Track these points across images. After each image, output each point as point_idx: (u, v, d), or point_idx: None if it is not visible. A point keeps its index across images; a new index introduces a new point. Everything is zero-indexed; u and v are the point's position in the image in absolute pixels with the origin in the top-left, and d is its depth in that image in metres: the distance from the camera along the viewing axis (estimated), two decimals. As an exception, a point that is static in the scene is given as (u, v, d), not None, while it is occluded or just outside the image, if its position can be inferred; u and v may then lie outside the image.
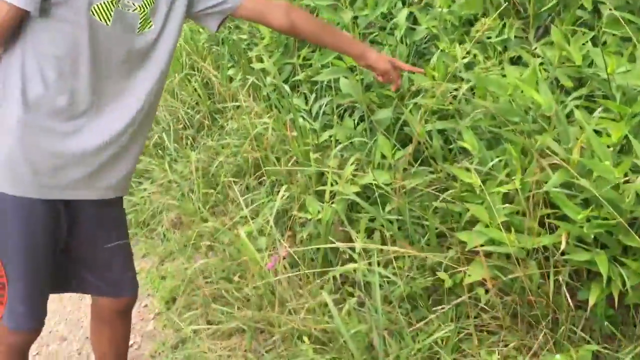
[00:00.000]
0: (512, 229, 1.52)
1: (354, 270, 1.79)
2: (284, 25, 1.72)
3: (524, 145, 1.64)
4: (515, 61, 2.28)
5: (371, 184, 2.10)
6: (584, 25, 2.18)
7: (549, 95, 1.50)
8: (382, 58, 1.85)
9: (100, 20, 1.40)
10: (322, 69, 2.83)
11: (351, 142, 2.43)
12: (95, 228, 1.68)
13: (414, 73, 2.10)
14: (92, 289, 1.79)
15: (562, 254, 1.46)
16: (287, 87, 2.65)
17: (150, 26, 1.49)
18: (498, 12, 2.31)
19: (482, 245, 1.56)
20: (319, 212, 2.11)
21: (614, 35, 1.91)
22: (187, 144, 3.38)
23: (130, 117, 1.54)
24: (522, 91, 1.52)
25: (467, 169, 1.65)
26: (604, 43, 2.01)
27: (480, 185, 1.58)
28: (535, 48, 2.16)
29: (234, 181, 2.83)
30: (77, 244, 1.66)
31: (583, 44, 2.02)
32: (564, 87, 1.90)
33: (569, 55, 2.01)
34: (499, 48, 2.31)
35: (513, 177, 1.64)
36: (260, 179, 2.78)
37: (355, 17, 2.49)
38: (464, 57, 1.97)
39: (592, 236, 1.40)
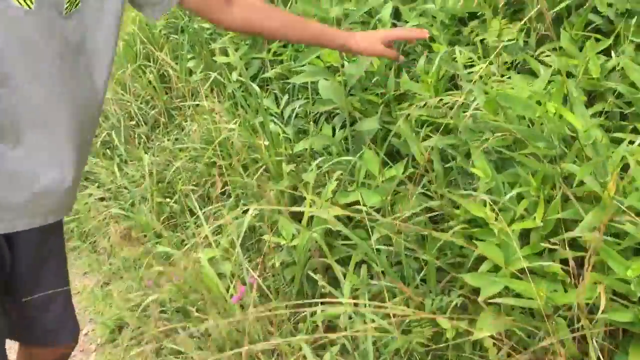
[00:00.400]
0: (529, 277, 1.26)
1: (338, 316, 1.50)
2: (236, 21, 1.40)
3: (545, 174, 1.38)
4: (515, 68, 2.04)
5: (356, 205, 1.81)
6: (595, 30, 1.95)
7: (587, 119, 1.24)
8: (368, 39, 1.53)
9: (20, 3, 1.05)
10: (295, 65, 2.52)
11: (329, 153, 2.14)
12: (35, 261, 1.35)
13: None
14: (25, 335, 1.46)
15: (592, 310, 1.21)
16: (255, 87, 2.33)
17: (77, 4, 1.13)
18: (496, 10, 2.06)
19: (499, 294, 1.29)
20: (294, 236, 1.81)
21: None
22: (139, 143, 3.01)
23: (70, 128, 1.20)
24: (553, 112, 1.26)
25: (481, 200, 1.38)
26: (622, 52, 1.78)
27: (495, 221, 1.31)
28: (540, 54, 1.91)
29: (192, 190, 2.50)
30: (13, 281, 1.33)
31: (598, 53, 1.78)
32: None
33: (580, 64, 1.77)
34: (504, 55, 2.06)
35: (531, 212, 1.38)
36: (223, 188, 2.46)
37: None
38: (469, 64, 1.69)
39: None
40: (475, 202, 1.41)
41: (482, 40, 2.27)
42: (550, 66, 1.86)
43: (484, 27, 2.33)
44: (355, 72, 1.86)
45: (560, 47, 1.98)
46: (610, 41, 1.79)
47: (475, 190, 1.61)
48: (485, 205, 1.38)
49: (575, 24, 1.95)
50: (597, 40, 1.86)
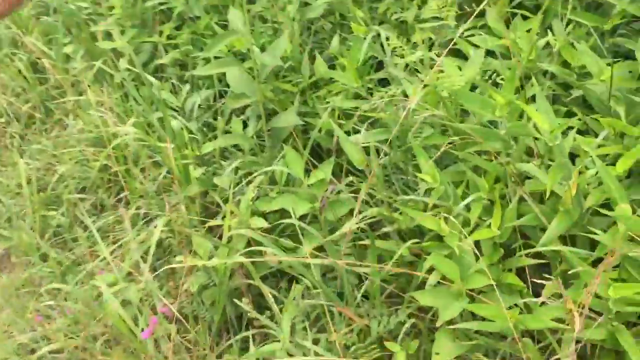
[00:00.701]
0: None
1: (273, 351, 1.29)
2: None
3: (497, 176, 1.24)
4: (436, 47, 1.89)
5: (280, 214, 1.60)
6: (519, 6, 1.84)
7: (552, 118, 1.10)
8: None
9: None
10: (197, 54, 2.23)
11: (240, 150, 1.90)
12: None
13: None
14: None
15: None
16: (151, 78, 2.02)
17: None
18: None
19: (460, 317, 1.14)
20: (211, 256, 1.57)
21: (574, 24, 1.56)
22: (12, 145, 2.59)
23: None
24: (516, 111, 1.10)
25: (428, 208, 1.22)
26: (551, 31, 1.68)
27: (453, 232, 1.15)
28: (465, 34, 1.77)
29: (82, 198, 2.16)
30: None
31: (527, 31, 1.67)
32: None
33: (512, 45, 1.65)
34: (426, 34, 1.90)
35: (485, 219, 1.24)
36: (118, 195, 2.15)
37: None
38: (401, 48, 1.51)
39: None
40: (422, 212, 1.25)
41: (399, 20, 2.11)
42: (478, 46, 1.73)
43: (399, 4, 2.17)
44: (270, 61, 1.62)
45: (484, 25, 1.86)
46: (539, 17, 1.67)
47: (416, 192, 1.45)
48: (435, 215, 1.22)
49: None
50: (524, 17, 1.76)
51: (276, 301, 1.41)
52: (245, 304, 1.42)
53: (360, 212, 1.43)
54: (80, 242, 1.97)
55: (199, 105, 2.16)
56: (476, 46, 1.69)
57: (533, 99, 1.34)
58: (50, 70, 2.60)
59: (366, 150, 1.54)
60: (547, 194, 1.06)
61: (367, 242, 1.44)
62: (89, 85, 2.39)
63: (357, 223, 1.35)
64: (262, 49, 2.00)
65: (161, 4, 2.40)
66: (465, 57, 1.78)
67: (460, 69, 1.50)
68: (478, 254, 1.20)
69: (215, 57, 1.72)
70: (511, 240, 1.25)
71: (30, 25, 2.80)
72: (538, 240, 1.22)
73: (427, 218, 1.18)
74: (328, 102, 1.85)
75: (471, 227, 1.23)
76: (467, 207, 1.27)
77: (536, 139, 1.14)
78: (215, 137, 2.00)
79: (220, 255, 1.52)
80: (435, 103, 1.34)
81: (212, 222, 1.57)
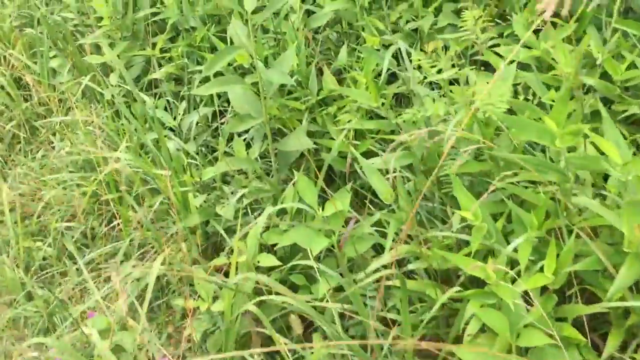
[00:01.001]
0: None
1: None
2: None
3: (547, 211, 1.07)
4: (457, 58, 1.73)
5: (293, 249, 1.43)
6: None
7: (624, 148, 0.94)
8: None
9: None
10: (195, 68, 2.06)
11: (243, 174, 1.73)
12: None
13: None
14: None
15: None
16: (145, 96, 1.84)
17: None
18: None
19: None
20: (215, 297, 1.40)
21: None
22: (-6, 167, 2.40)
23: None
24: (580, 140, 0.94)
25: (469, 248, 1.05)
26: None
27: (503, 283, 0.99)
28: (486, 42, 1.61)
29: (70, 227, 1.99)
30: None
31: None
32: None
33: (542, 56, 1.50)
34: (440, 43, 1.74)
35: (531, 258, 1.08)
36: (111, 223, 1.97)
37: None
38: (426, 62, 1.34)
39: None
40: (452, 248, 1.08)
41: (414, 29, 1.95)
42: (502, 57, 1.58)
43: (412, 11, 2.01)
44: (278, 79, 1.45)
45: (510, 34, 1.71)
46: (573, 26, 1.52)
47: (445, 224, 1.29)
48: (471, 254, 1.06)
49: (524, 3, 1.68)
50: (553, 24, 1.60)
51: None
52: (255, 356, 1.25)
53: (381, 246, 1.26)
54: (70, 276, 1.79)
55: (197, 123, 1.99)
56: (499, 56, 1.54)
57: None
58: (35, 86, 2.43)
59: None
60: (626, 243, 0.90)
61: (392, 282, 1.28)
62: (75, 105, 2.21)
63: (386, 265, 1.18)
64: (265, 62, 1.83)
65: (154, 14, 2.23)
66: (487, 68, 1.62)
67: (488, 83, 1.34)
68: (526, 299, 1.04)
69: (215, 74, 1.56)
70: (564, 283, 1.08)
71: (12, 38, 2.63)
72: (596, 284, 1.07)
73: (472, 265, 1.01)
74: (339, 120, 1.69)
75: (520, 271, 1.06)
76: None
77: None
78: (215, 160, 1.83)
79: (225, 297, 1.35)
80: (469, 125, 1.18)
81: (216, 262, 1.40)
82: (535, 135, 0.97)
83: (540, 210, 1.05)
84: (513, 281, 1.08)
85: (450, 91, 1.42)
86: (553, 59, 1.45)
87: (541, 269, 1.06)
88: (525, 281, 1.03)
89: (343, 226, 1.37)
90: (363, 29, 1.96)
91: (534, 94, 1.40)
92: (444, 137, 1.12)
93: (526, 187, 1.21)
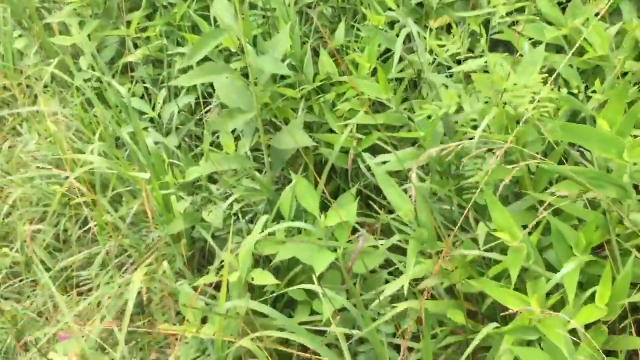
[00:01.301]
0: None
1: None
2: None
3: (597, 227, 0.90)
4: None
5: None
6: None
7: None
8: None
9: None
10: (170, 46, 1.85)
11: (233, 170, 1.54)
12: None
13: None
14: None
15: None
16: (119, 87, 1.63)
17: None
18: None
19: None
20: (205, 318, 1.22)
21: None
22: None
23: None
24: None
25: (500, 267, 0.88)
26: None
27: (552, 323, 0.82)
28: (504, 20, 1.42)
29: (40, 230, 1.79)
30: None
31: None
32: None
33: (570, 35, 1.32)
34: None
35: (583, 286, 0.91)
36: (86, 225, 1.77)
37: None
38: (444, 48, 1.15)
39: None
40: (500, 286, 0.91)
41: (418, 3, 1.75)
42: (523, 35, 1.39)
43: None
44: (271, 67, 1.25)
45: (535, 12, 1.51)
46: (606, 1, 1.33)
47: (465, 230, 1.12)
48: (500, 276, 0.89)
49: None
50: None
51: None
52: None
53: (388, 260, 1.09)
54: (39, 289, 1.61)
55: (179, 111, 1.79)
56: (521, 35, 1.35)
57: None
58: (-2, 71, 2.20)
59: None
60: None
61: (407, 303, 1.11)
62: (44, 91, 1.99)
63: (403, 288, 1.01)
64: (254, 43, 1.63)
65: (128, -12, 2.01)
66: (508, 49, 1.44)
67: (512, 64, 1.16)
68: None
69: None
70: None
71: (-28, 16, 2.38)
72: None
73: (518, 305, 0.84)
74: (338, 109, 1.50)
75: (563, 298, 0.90)
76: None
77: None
78: (201, 154, 1.64)
79: (216, 322, 1.17)
80: (500, 124, 1.00)
81: (205, 280, 1.22)
82: (600, 147, 0.79)
83: (589, 227, 0.88)
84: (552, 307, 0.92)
85: (469, 76, 1.23)
86: (585, 39, 1.27)
87: (590, 297, 0.89)
88: (572, 314, 0.86)
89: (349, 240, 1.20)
90: (362, 3, 1.76)
91: (565, 82, 1.23)
92: (472, 143, 0.94)
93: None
